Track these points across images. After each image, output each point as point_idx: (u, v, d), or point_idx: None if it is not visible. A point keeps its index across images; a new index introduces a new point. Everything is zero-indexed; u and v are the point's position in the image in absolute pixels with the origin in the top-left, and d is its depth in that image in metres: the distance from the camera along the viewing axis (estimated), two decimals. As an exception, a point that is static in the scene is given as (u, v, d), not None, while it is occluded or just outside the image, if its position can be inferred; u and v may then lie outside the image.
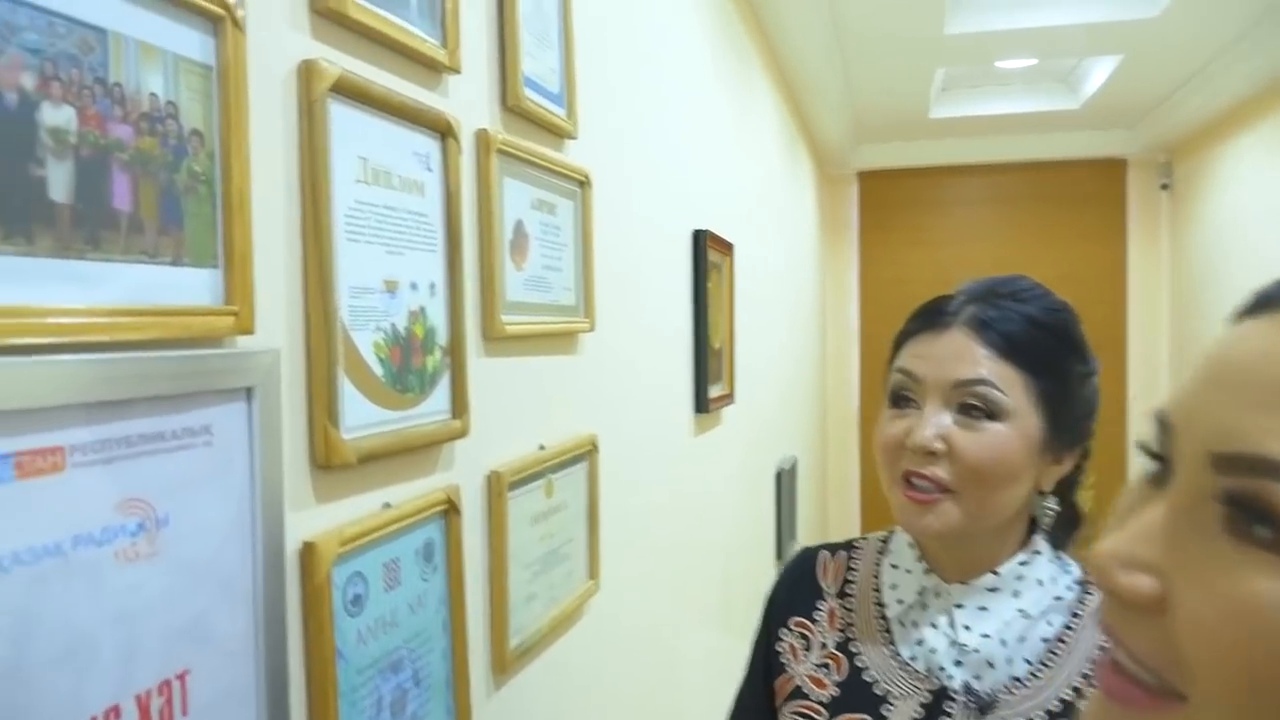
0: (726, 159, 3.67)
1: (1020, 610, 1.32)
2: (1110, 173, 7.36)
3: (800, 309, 6.04)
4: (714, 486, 3.42)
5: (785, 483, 4.96)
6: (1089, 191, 7.38)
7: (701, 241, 3.01)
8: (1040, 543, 1.37)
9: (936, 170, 7.68)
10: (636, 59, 2.42)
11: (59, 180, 0.78)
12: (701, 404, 3.05)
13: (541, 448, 1.78)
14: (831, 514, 7.89)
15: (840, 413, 7.96)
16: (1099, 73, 5.86)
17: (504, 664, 1.60)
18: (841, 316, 7.95)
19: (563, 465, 1.87)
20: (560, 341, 1.88)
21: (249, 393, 0.96)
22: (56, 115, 0.78)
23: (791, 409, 5.57)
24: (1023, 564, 1.34)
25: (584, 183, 1.95)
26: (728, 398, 3.44)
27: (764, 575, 4.53)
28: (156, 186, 0.88)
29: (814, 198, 6.97)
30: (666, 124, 2.73)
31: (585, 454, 1.98)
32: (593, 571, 2.03)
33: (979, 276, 1.41)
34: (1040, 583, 1.34)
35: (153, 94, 0.88)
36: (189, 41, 0.92)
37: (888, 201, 7.86)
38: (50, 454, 0.74)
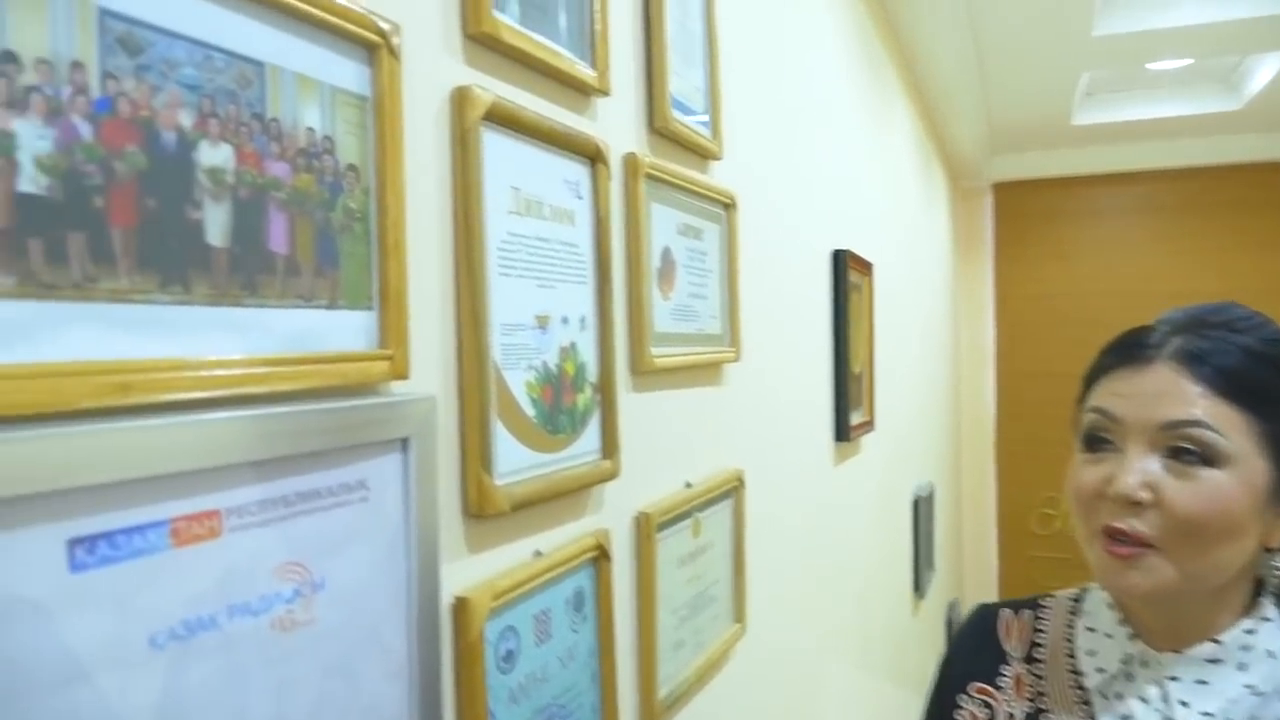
0: (864, 174, 3.52)
1: (1248, 686, 1.14)
2: (1277, 178, 6.81)
3: (934, 328, 5.78)
4: (852, 518, 3.25)
5: (923, 511, 4.72)
6: (1252, 198, 6.83)
7: (842, 261, 2.88)
8: (1269, 608, 1.19)
9: (1078, 180, 7.26)
10: (777, 73, 2.31)
11: (216, 223, 0.74)
12: (842, 432, 2.90)
13: (688, 485, 1.69)
14: (968, 544, 7.53)
15: (975, 436, 7.60)
16: (1264, 70, 5.42)
17: (653, 716, 1.51)
18: (976, 334, 7.59)
19: (709, 503, 1.77)
20: (706, 373, 1.79)
21: (405, 443, 0.90)
22: (214, 154, 0.74)
23: (927, 433, 5.32)
24: (1249, 632, 1.17)
25: (729, 205, 1.86)
26: (868, 425, 3.28)
27: (902, 610, 4.31)
28: (312, 226, 0.83)
29: (946, 211, 6.69)
30: (807, 140, 2.62)
31: (731, 490, 1.87)
32: (738, 614, 1.92)
33: (1181, 306, 1.24)
34: (1271, 654, 1.16)
35: (309, 128, 0.83)
36: (345, 72, 0.87)
37: (1025, 214, 7.48)
38: (207, 518, 0.69)
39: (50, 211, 0.62)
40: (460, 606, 1.02)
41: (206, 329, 0.72)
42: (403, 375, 0.91)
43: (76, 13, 0.64)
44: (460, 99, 1.04)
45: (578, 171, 1.29)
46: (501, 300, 1.10)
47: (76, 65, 0.64)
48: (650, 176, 1.49)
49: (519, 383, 1.14)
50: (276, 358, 0.77)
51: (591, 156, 1.31)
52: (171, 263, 0.70)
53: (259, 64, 0.78)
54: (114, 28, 0.66)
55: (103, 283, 0.65)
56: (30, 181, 0.61)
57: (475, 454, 1.04)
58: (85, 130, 0.64)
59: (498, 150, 1.10)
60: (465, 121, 1.04)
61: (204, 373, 0.70)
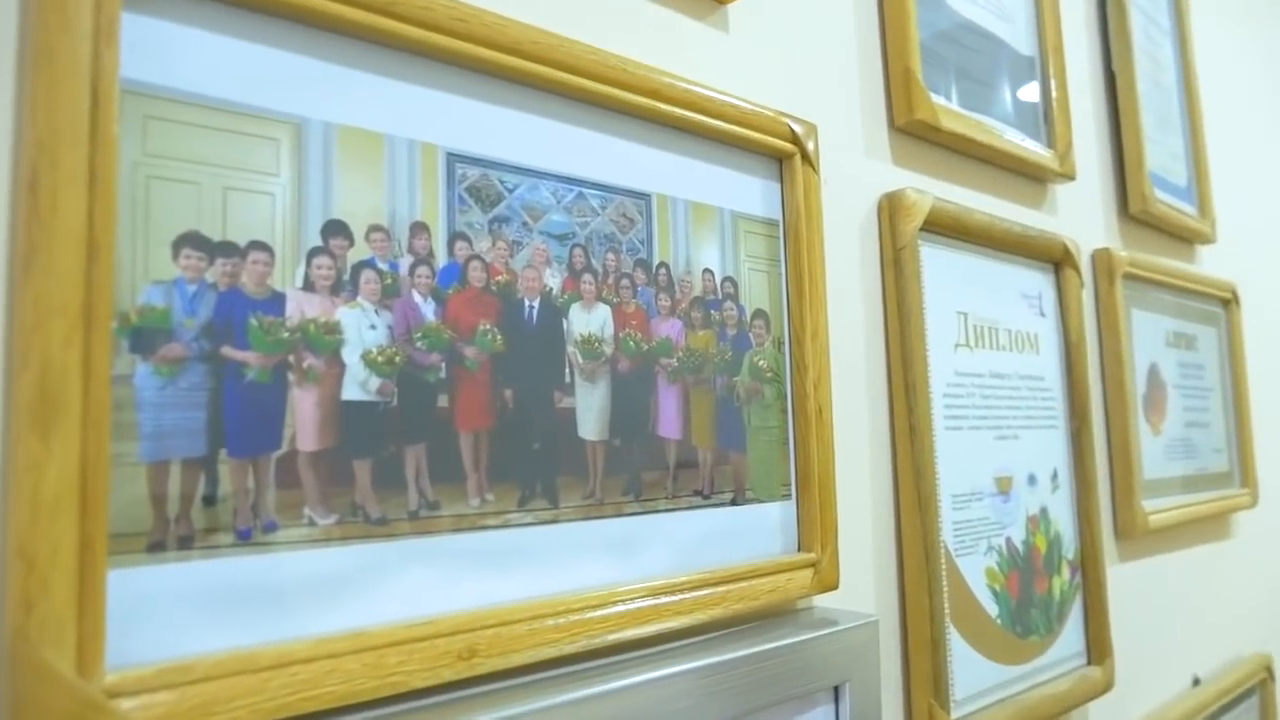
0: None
1: None
2: None
3: None
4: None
5: None
6: None
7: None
8: None
9: None
10: (1274, 122, 1.81)
11: (590, 409, 0.56)
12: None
13: (1196, 682, 1.25)
14: None
15: None
16: None
17: None
18: None
19: (1226, 708, 1.30)
20: (1211, 526, 1.34)
21: (837, 691, 0.64)
22: (588, 320, 0.56)
23: None
24: None
25: (1229, 300, 1.41)
26: None
27: None
28: (711, 398, 0.63)
29: None
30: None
31: (1256, 685, 1.38)
32: None
33: None
34: None
35: (707, 271, 0.63)
36: (749, 192, 0.67)
37: None
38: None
39: (381, 422, 0.47)
40: None
41: (575, 553, 0.54)
42: (831, 585, 0.67)
43: (420, 161, 0.50)
44: (891, 208, 0.80)
45: (1039, 282, 0.98)
46: (950, 463, 0.82)
47: (418, 228, 0.49)
48: (1130, 276, 1.14)
49: (977, 571, 0.84)
50: (665, 584, 0.56)
51: (1057, 260, 1.00)
52: (534, 470, 0.52)
53: (643, 196, 0.60)
54: (465, 174, 0.51)
55: (446, 509, 0.49)
56: (358, 385, 0.46)
57: (924, 680, 0.76)
58: (428, 310, 0.49)
59: (939, 267, 0.84)
60: (899, 235, 0.79)
61: (572, 617, 0.51)
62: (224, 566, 0.41)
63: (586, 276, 0.56)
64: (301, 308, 0.45)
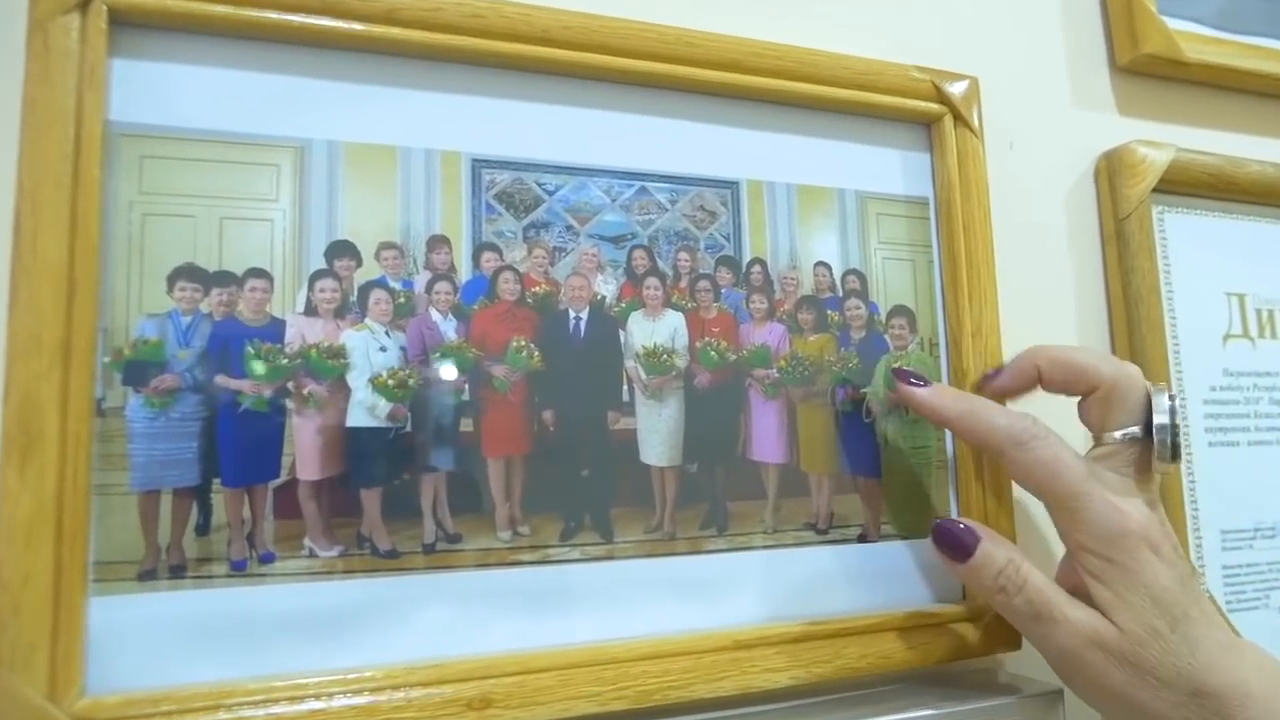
0: None
1: None
2: None
3: None
4: None
5: None
6: None
7: None
8: None
9: None
10: None
11: (657, 431, 0.49)
12: None
13: None
14: None
15: None
16: None
17: None
18: None
19: None
20: None
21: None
22: (653, 329, 0.50)
23: None
24: None
25: None
26: None
27: None
28: (827, 413, 0.53)
29: None
30: None
31: None
32: None
33: None
34: None
35: (821, 264, 0.54)
36: (881, 167, 0.57)
37: None
38: None
39: (392, 449, 0.44)
40: None
41: (635, 595, 0.47)
42: (1008, 643, 0.54)
43: (439, 171, 0.47)
44: (1111, 170, 0.64)
45: (1378, 246, 0.73)
46: (1218, 490, 0.63)
47: (437, 242, 0.46)
48: None
49: (1269, 633, 0.64)
50: (755, 634, 0.48)
51: (1407, 216, 0.74)
52: (581, 500, 0.47)
53: (728, 184, 0.53)
54: (494, 180, 0.48)
55: (469, 542, 0.45)
56: (365, 411, 0.44)
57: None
58: (448, 328, 0.46)
59: (1193, 238, 0.66)
60: (1122, 202, 0.63)
61: (619, 668, 0.45)
62: (217, 597, 0.41)
63: (651, 281, 0.50)
64: (303, 333, 0.44)
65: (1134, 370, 0.48)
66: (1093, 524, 0.45)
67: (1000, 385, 0.51)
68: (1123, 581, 0.44)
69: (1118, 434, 0.47)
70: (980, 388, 0.53)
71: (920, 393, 0.50)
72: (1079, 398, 0.49)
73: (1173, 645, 0.43)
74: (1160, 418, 0.46)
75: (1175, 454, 0.46)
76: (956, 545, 0.47)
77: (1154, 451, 0.46)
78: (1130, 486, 0.46)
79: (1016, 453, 0.46)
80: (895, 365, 0.53)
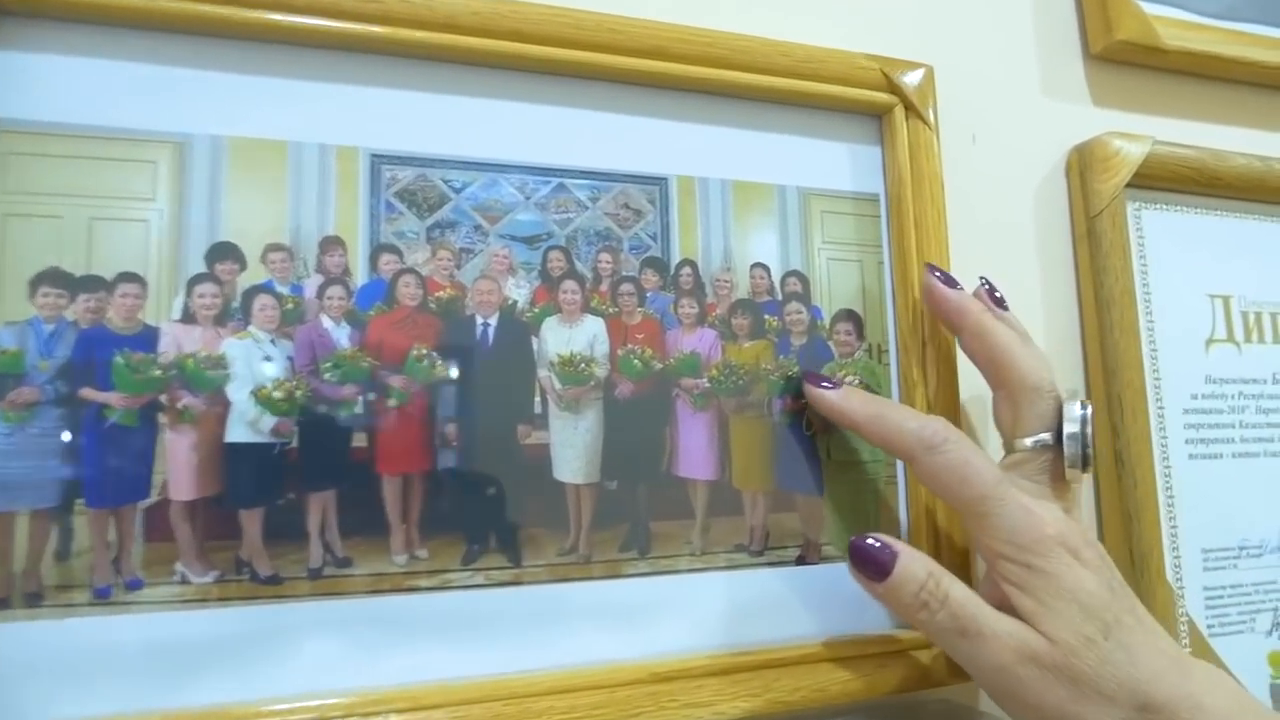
0: None
1: None
2: None
3: None
4: None
5: None
6: None
7: None
8: None
9: None
10: None
11: (573, 445, 0.46)
12: None
13: None
14: None
15: None
16: None
17: None
18: None
19: None
20: None
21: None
22: (570, 336, 0.46)
23: None
24: None
25: None
26: None
27: None
28: (764, 426, 0.49)
29: None
30: None
31: None
32: None
33: None
34: None
35: (759, 266, 0.50)
36: (827, 162, 0.53)
37: None
38: None
39: (276, 466, 0.41)
40: None
41: (546, 623, 0.44)
42: (962, 674, 0.50)
43: (333, 167, 0.44)
44: (1083, 164, 0.60)
45: (1378, 244, 0.69)
46: (1199, 505, 0.59)
47: (330, 244, 0.43)
48: None
49: (1251, 657, 0.60)
50: (677, 665, 0.44)
51: None
52: (486, 520, 0.44)
53: (655, 180, 0.49)
54: (395, 176, 0.45)
55: (360, 566, 0.42)
56: (246, 425, 0.41)
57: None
58: (341, 336, 0.43)
59: (1173, 235, 0.61)
60: (1094, 199, 0.59)
61: (521, 703, 0.41)
62: (78, 627, 0.38)
63: (568, 284, 0.47)
64: (179, 341, 0.40)
65: (1047, 375, 0.45)
66: (1006, 529, 0.41)
67: (943, 292, 0.48)
68: (1045, 588, 0.41)
69: (1028, 441, 0.45)
70: (927, 271, 0.49)
71: (828, 395, 0.47)
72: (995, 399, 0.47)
73: (1108, 653, 0.40)
74: (1071, 427, 0.44)
75: (1087, 464, 0.44)
76: (873, 563, 0.43)
77: (1065, 461, 0.44)
78: (1045, 492, 0.44)
79: (926, 457, 0.43)
80: (803, 370, 0.50)
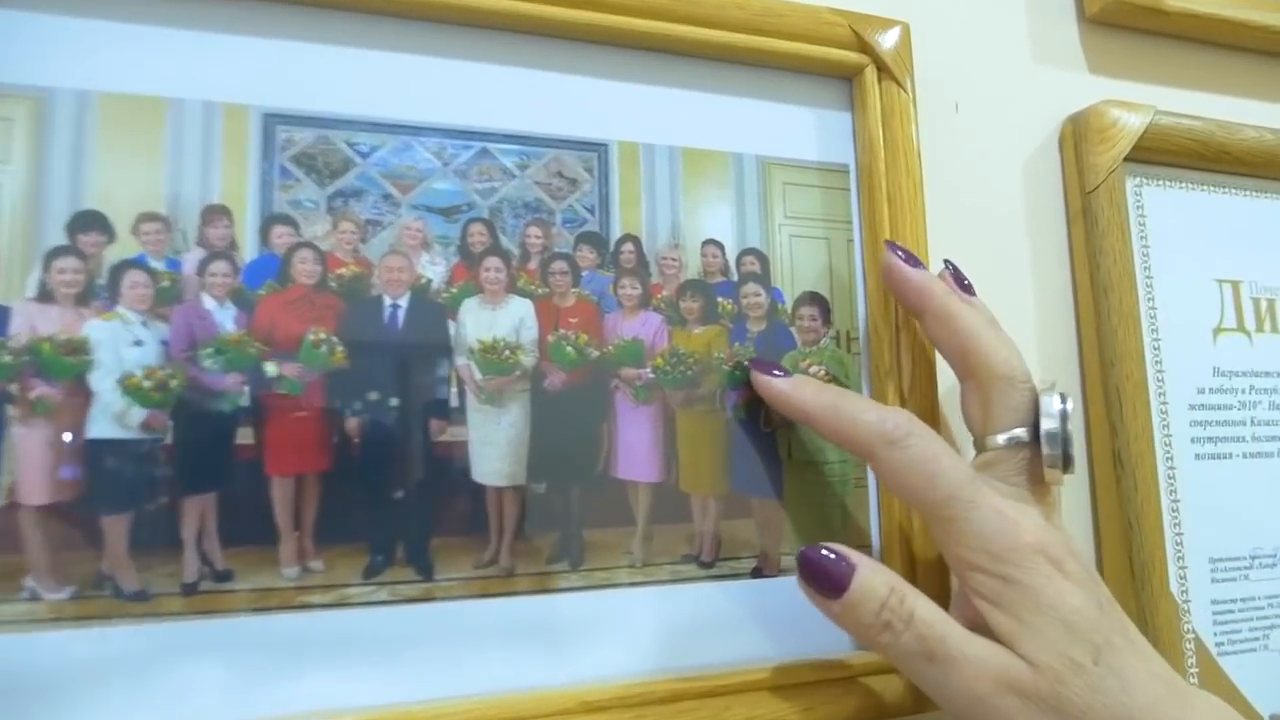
0: None
1: None
2: None
3: None
4: None
5: None
6: None
7: None
8: None
9: None
10: None
11: (494, 444, 0.40)
12: None
13: None
14: None
15: None
16: None
17: None
18: None
19: None
20: None
21: None
22: (493, 320, 0.41)
23: None
24: None
25: None
26: None
27: None
28: (717, 421, 0.44)
29: None
30: None
31: None
32: None
33: None
34: None
35: (711, 243, 0.45)
36: (792, 128, 0.48)
37: None
38: None
39: (146, 466, 0.36)
40: None
41: (460, 644, 0.38)
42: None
43: (220, 128, 0.39)
44: (1077, 136, 0.54)
45: (1403, 227, 0.63)
46: (1207, 510, 0.54)
47: (214, 213, 0.38)
48: None
49: (1265, 680, 0.54)
50: (614, 692, 0.39)
51: None
52: (392, 528, 0.38)
53: (594, 146, 0.44)
54: (291, 139, 0.39)
55: (243, 580, 0.36)
56: (112, 419, 0.36)
57: None
58: (225, 318, 0.38)
59: (1178, 215, 0.56)
60: (1089, 173, 0.53)
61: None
62: (-95, 652, 0.33)
63: (491, 261, 0.42)
64: (33, 323, 0.35)
65: (1019, 364, 0.40)
66: (978, 535, 0.36)
67: (905, 271, 0.43)
68: (1024, 604, 0.35)
69: (1000, 438, 0.39)
70: (887, 249, 0.43)
71: (778, 384, 0.41)
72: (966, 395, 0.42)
73: (1097, 680, 0.34)
74: (1049, 423, 0.38)
75: (1068, 464, 0.38)
76: (826, 577, 0.38)
77: (1044, 460, 0.38)
78: (1022, 495, 0.39)
79: (887, 452, 0.37)
80: (753, 357, 0.45)
